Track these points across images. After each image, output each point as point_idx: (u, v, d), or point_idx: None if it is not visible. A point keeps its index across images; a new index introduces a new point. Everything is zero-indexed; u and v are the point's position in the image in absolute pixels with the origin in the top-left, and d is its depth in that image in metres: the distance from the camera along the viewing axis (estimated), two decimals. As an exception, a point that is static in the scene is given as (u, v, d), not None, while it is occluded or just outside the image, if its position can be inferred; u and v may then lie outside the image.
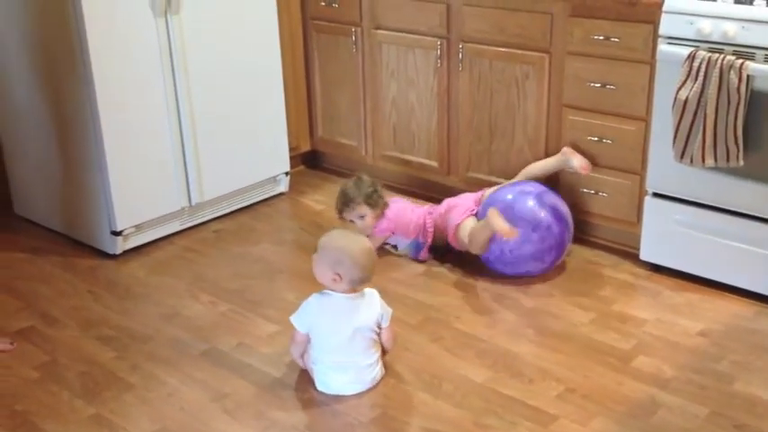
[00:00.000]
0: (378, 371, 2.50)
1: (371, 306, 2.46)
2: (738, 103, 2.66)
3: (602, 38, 3.01)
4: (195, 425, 2.36)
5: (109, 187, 3.21)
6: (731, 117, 2.69)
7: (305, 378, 2.53)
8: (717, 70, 2.67)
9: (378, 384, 2.49)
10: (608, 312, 2.86)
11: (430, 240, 3.24)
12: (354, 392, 2.45)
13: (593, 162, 3.16)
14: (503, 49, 3.30)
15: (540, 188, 3.09)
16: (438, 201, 3.35)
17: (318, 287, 2.48)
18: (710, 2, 2.76)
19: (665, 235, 3.03)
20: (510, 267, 3.05)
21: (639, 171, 3.07)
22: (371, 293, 2.48)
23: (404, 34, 3.59)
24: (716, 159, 2.76)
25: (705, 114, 2.72)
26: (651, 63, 2.92)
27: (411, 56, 3.60)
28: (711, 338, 2.70)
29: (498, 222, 2.90)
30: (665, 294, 2.97)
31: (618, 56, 2.99)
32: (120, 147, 3.20)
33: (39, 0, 3.13)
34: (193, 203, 3.52)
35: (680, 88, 2.76)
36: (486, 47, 3.35)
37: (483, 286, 3.06)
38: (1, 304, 3.01)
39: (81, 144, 3.23)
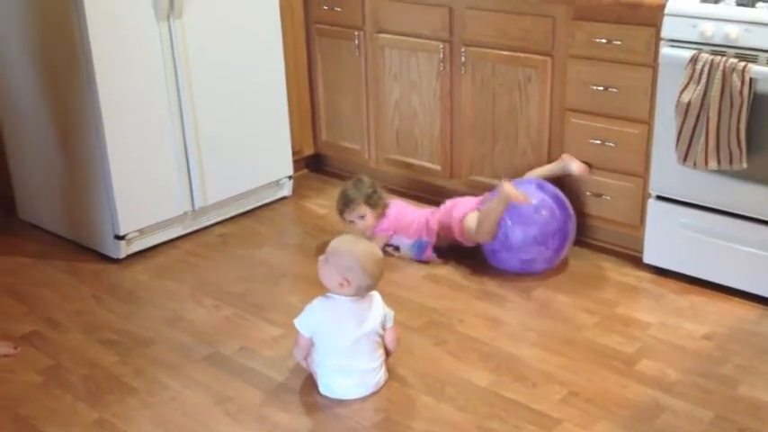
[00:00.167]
0: (381, 375, 2.49)
1: (375, 309, 2.46)
2: (741, 106, 2.66)
3: (604, 41, 3.01)
4: (198, 429, 2.36)
5: (112, 191, 3.22)
6: (734, 120, 2.68)
7: (308, 382, 2.53)
8: (719, 73, 2.66)
9: (381, 388, 2.49)
10: (612, 316, 2.86)
11: (434, 239, 3.24)
12: (358, 396, 2.45)
13: (597, 165, 3.16)
14: (505, 53, 3.30)
15: (539, 181, 3.14)
16: (441, 204, 3.35)
17: (321, 291, 2.48)
18: (713, 4, 2.76)
19: (668, 238, 3.02)
20: (515, 255, 3.05)
21: (642, 174, 3.07)
22: (373, 296, 2.48)
23: (406, 38, 3.59)
24: (719, 162, 2.75)
25: (708, 117, 2.71)
26: (654, 66, 2.92)
27: (414, 59, 3.60)
28: (715, 342, 2.69)
29: (511, 189, 2.98)
30: (669, 297, 2.96)
31: (620, 59, 2.99)
32: (124, 151, 3.21)
33: (41, 5, 3.14)
34: (197, 208, 3.53)
35: (682, 91, 2.75)
36: (488, 50, 3.35)
37: (486, 289, 3.06)
38: (5, 308, 3.02)
39: (84, 148, 3.24)
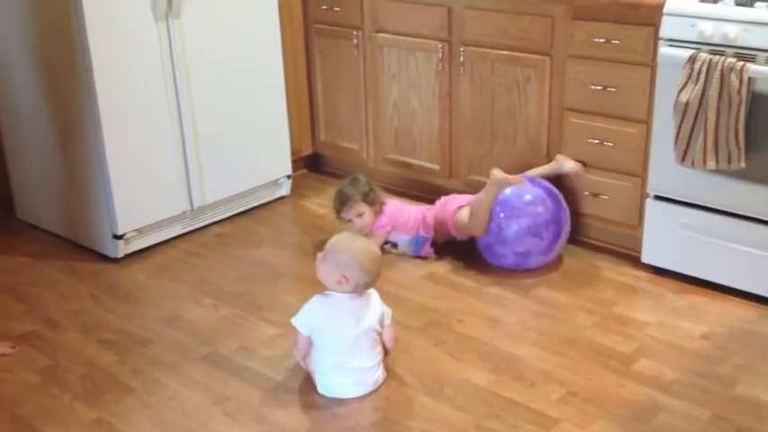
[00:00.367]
0: (380, 373, 2.49)
1: (373, 306, 2.46)
2: (739, 106, 2.66)
3: (602, 40, 3.01)
4: (196, 428, 2.36)
5: (111, 191, 3.21)
6: (732, 119, 2.68)
7: (307, 381, 2.53)
8: (718, 72, 2.66)
9: (379, 387, 2.49)
10: (610, 315, 2.86)
11: (431, 234, 3.25)
12: (356, 395, 2.45)
13: (595, 165, 3.16)
14: (504, 53, 3.30)
15: (530, 176, 3.17)
16: (437, 201, 3.36)
17: (320, 290, 2.48)
18: (711, 4, 2.76)
19: (666, 237, 3.02)
20: (510, 247, 3.06)
21: (641, 174, 3.07)
22: (371, 293, 2.48)
23: (405, 37, 3.59)
24: (717, 162, 2.75)
25: (706, 117, 2.71)
26: (652, 65, 2.92)
27: (412, 59, 3.60)
28: (714, 341, 2.69)
29: (502, 174, 3.02)
30: (667, 297, 2.97)
31: (619, 58, 2.99)
32: (122, 151, 3.21)
33: (41, 5, 3.13)
34: (195, 207, 3.53)
35: (681, 90, 2.75)
36: (487, 50, 3.35)
37: (484, 289, 3.06)
38: (3, 308, 3.01)
39: (83, 148, 3.24)
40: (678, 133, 2.80)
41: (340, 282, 2.41)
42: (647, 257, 3.11)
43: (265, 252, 3.40)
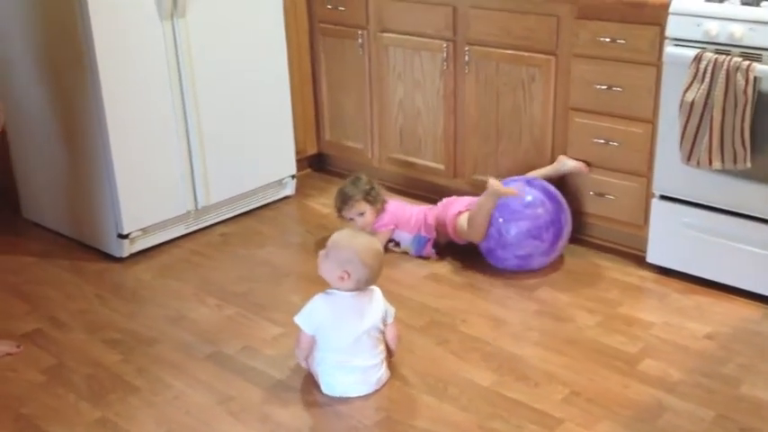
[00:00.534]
0: (383, 372, 2.49)
1: (376, 303, 2.46)
2: (745, 105, 2.65)
3: (608, 40, 3.00)
4: (200, 428, 2.36)
5: (116, 191, 3.22)
6: (738, 119, 2.67)
7: (310, 381, 2.53)
8: (723, 72, 2.65)
9: (383, 387, 2.49)
10: (614, 315, 2.85)
11: (433, 235, 3.25)
12: (360, 394, 2.45)
13: (600, 165, 3.15)
14: (509, 52, 3.30)
15: (527, 178, 3.16)
16: (438, 202, 3.35)
17: (323, 289, 2.48)
18: (717, 3, 2.75)
19: (672, 238, 3.02)
20: (510, 251, 3.05)
21: (646, 173, 3.06)
22: (374, 290, 2.49)
23: (410, 37, 3.59)
24: (723, 162, 2.74)
25: (712, 116, 2.70)
26: (658, 65, 2.91)
27: (417, 58, 3.60)
28: (718, 341, 2.69)
29: (498, 185, 3.01)
30: (672, 297, 2.96)
31: (624, 58, 2.98)
32: (127, 150, 3.21)
33: (45, 3, 3.14)
34: (200, 207, 3.53)
35: (686, 90, 2.75)
36: (492, 49, 3.34)
37: (488, 288, 3.05)
38: (8, 307, 3.02)
39: (88, 148, 3.24)
40: (684, 133, 2.79)
41: (342, 277, 2.41)
42: (652, 257, 3.10)
43: (270, 252, 3.40)
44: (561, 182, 3.24)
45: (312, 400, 2.46)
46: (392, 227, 3.29)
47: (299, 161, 3.94)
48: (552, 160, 3.28)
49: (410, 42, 3.60)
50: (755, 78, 2.62)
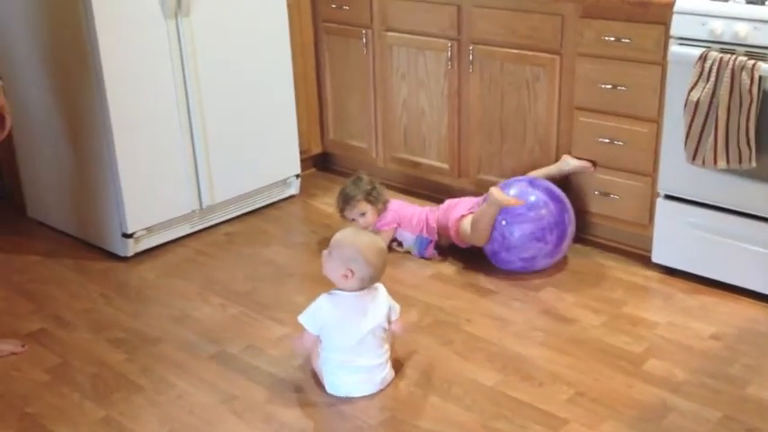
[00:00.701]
0: (387, 371, 2.49)
1: (380, 301, 2.46)
2: (750, 104, 2.64)
3: (613, 39, 3.00)
4: (204, 427, 2.36)
5: (120, 190, 3.22)
6: (743, 118, 2.66)
7: (314, 380, 2.53)
8: (728, 71, 2.65)
9: (387, 386, 2.48)
10: (619, 315, 2.85)
11: (435, 237, 3.24)
12: (364, 393, 2.45)
13: (605, 164, 3.15)
14: (513, 51, 3.29)
15: (530, 178, 3.15)
16: (441, 204, 3.35)
17: (328, 289, 2.48)
18: (722, 2, 2.74)
19: (677, 237, 3.01)
20: (515, 254, 3.04)
21: (651, 173, 3.06)
22: (378, 288, 2.48)
23: (414, 36, 3.59)
24: (728, 161, 2.74)
25: (717, 115, 2.69)
26: (662, 64, 2.90)
27: (422, 58, 3.59)
28: (724, 342, 2.68)
29: (501, 195, 2.99)
30: (678, 297, 2.95)
31: (629, 57, 2.98)
32: (132, 150, 3.21)
33: (50, 4, 3.14)
34: (204, 206, 3.53)
35: (691, 89, 2.74)
36: (496, 48, 3.34)
37: (493, 288, 3.05)
38: (13, 307, 3.03)
39: (93, 147, 3.25)
40: (689, 132, 2.78)
41: (346, 276, 2.41)
42: (657, 257, 3.09)
43: (274, 251, 3.40)
44: (565, 181, 3.23)
45: (316, 400, 2.46)
46: (395, 225, 3.29)
47: (303, 160, 3.94)
48: (557, 160, 3.27)
49: (414, 42, 3.59)
50: (761, 77, 2.61)
